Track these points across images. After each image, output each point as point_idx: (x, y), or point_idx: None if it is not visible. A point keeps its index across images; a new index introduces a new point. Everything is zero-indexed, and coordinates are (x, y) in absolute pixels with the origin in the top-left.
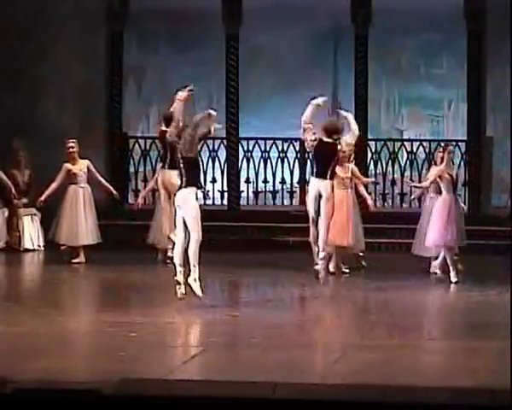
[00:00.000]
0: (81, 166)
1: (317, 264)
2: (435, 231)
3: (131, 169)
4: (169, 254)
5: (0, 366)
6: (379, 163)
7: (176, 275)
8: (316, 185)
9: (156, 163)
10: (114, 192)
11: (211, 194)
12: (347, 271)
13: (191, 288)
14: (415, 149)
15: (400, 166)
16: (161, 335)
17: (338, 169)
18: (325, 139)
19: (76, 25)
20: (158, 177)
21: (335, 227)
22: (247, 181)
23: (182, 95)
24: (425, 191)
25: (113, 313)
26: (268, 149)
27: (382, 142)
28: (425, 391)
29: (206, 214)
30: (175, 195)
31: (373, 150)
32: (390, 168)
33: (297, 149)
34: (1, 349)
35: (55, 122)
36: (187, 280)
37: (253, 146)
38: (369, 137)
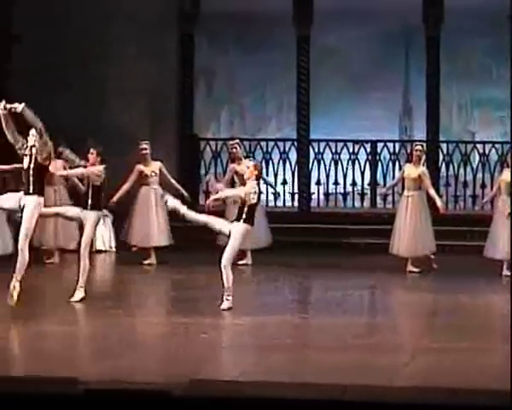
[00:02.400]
0: (153, 168)
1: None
2: None
3: (202, 171)
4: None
5: (71, 366)
6: (451, 165)
7: None
8: None
9: (227, 165)
10: (185, 194)
11: (282, 196)
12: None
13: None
14: (487, 152)
15: (472, 168)
16: (231, 336)
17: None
18: None
19: (147, 27)
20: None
21: None
22: (318, 183)
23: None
24: (497, 193)
25: (183, 315)
26: (339, 150)
27: (454, 144)
28: (493, 394)
29: (277, 216)
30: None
31: (444, 152)
32: (462, 170)
33: (368, 150)
34: (72, 350)
35: (125, 124)
36: None
37: (324, 148)
38: (441, 139)
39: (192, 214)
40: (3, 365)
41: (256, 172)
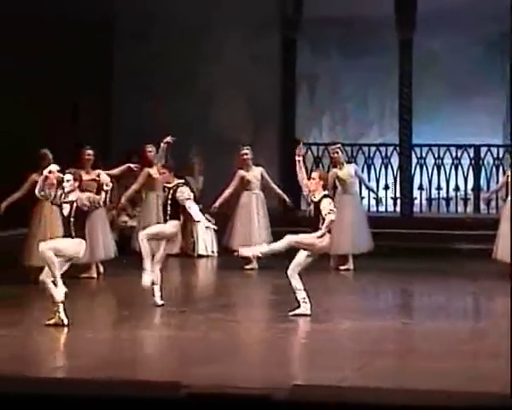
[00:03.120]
0: (255, 173)
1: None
2: None
3: None
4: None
5: (174, 370)
6: None
7: None
8: None
9: (329, 170)
10: (287, 199)
11: (384, 201)
12: None
13: None
14: None
15: None
16: (333, 341)
17: None
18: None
19: (250, 31)
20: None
21: None
22: (420, 188)
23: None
24: None
25: (284, 319)
26: (441, 155)
27: None
28: None
29: (379, 221)
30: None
31: None
32: None
33: (471, 155)
34: (174, 354)
35: (227, 129)
36: None
37: (427, 153)
38: None
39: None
40: (109, 368)
41: (322, 182)
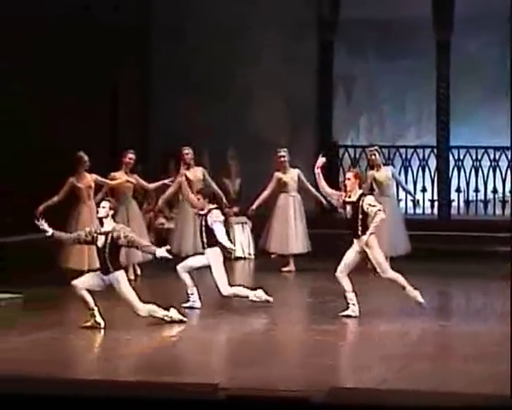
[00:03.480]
0: (291, 175)
1: None
2: None
3: (341, 178)
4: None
5: (212, 373)
6: None
7: None
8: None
9: (366, 172)
10: (324, 201)
11: (421, 203)
12: None
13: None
14: None
15: None
16: (370, 344)
17: None
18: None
19: (287, 33)
20: None
21: None
22: (458, 190)
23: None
24: None
25: (322, 322)
26: (479, 157)
27: None
28: None
29: (417, 224)
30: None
31: None
32: None
33: (509, 157)
34: (212, 356)
35: (264, 130)
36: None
37: (464, 155)
38: None
39: None
40: (146, 370)
41: (358, 181)
